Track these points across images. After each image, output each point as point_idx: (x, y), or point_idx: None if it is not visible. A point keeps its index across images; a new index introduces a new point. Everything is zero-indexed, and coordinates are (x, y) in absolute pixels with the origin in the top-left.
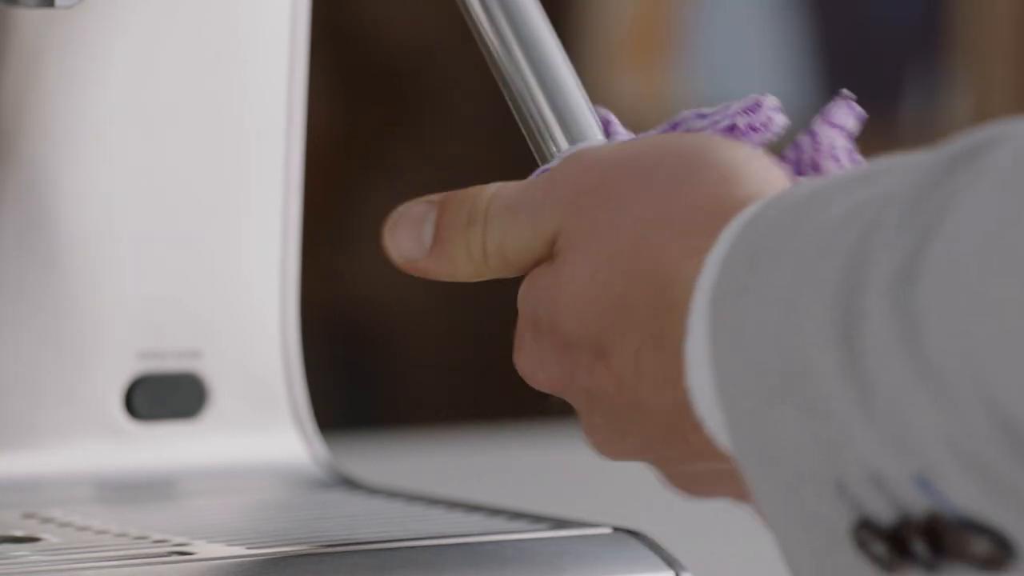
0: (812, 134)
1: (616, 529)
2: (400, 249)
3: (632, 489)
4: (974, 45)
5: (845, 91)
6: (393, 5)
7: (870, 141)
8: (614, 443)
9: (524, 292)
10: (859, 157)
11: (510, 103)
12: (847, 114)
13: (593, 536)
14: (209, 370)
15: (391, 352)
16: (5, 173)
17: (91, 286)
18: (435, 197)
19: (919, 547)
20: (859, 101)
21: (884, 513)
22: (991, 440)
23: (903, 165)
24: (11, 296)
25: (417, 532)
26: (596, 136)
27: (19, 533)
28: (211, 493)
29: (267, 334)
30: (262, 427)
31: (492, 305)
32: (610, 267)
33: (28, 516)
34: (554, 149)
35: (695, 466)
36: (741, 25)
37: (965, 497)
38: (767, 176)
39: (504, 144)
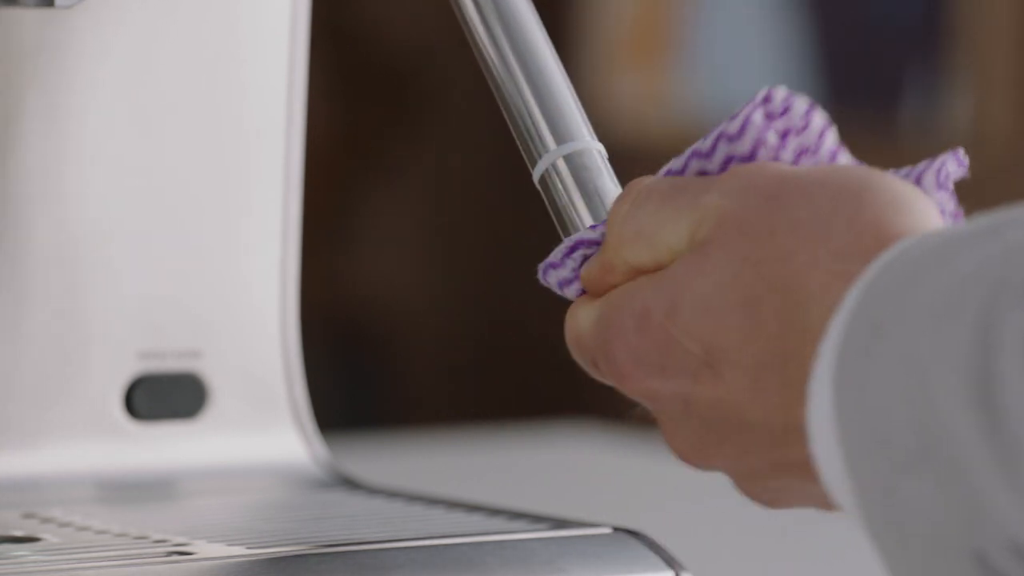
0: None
1: (616, 529)
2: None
3: (632, 489)
4: (974, 45)
5: (960, 152)
6: (393, 5)
7: (870, 141)
8: (703, 453)
9: (647, 281)
10: (961, 214)
11: (500, 104)
12: (955, 169)
13: (593, 536)
14: (209, 370)
15: (391, 352)
16: (5, 173)
17: (91, 286)
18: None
19: None
20: (859, 101)
21: None
22: None
23: None
24: (11, 296)
25: (417, 532)
26: (584, 138)
27: (19, 533)
28: (211, 493)
29: (267, 334)
30: (262, 427)
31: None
32: (755, 271)
33: (28, 516)
34: (542, 150)
35: (787, 483)
36: (741, 25)
37: None
38: (928, 214)
39: (504, 144)
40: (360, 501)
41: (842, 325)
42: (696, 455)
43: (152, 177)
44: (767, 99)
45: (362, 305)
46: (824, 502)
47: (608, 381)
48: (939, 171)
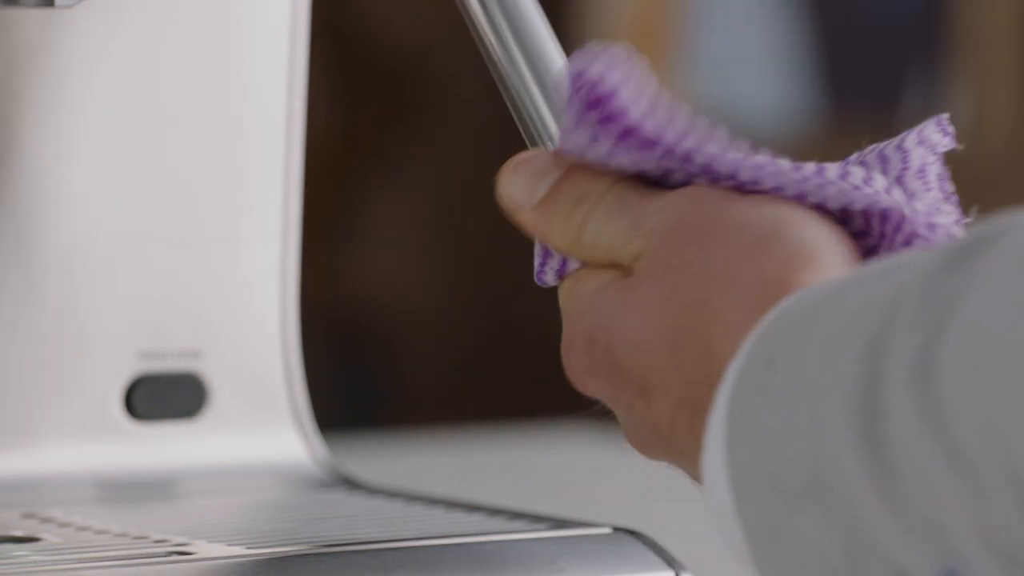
0: (903, 151)
1: (616, 529)
2: (511, 191)
3: (632, 489)
4: (974, 45)
5: (943, 116)
6: (393, 5)
7: (870, 141)
8: (651, 452)
9: (587, 304)
10: (949, 185)
11: (507, 100)
12: (940, 134)
13: (593, 536)
14: (209, 370)
15: (391, 352)
16: (5, 173)
17: (91, 286)
18: (564, 160)
19: None
20: (859, 101)
21: None
22: (1022, 527)
23: (916, 259)
24: (11, 296)
25: (417, 532)
26: None
27: (19, 533)
28: (211, 493)
29: (267, 334)
30: (262, 427)
31: (492, 306)
32: (677, 313)
33: (28, 516)
34: (551, 147)
35: None
36: (741, 25)
37: None
38: (836, 263)
39: (504, 144)
40: (360, 501)
41: (736, 369)
42: (645, 452)
43: (152, 177)
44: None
45: (362, 305)
46: None
47: None
48: (923, 170)
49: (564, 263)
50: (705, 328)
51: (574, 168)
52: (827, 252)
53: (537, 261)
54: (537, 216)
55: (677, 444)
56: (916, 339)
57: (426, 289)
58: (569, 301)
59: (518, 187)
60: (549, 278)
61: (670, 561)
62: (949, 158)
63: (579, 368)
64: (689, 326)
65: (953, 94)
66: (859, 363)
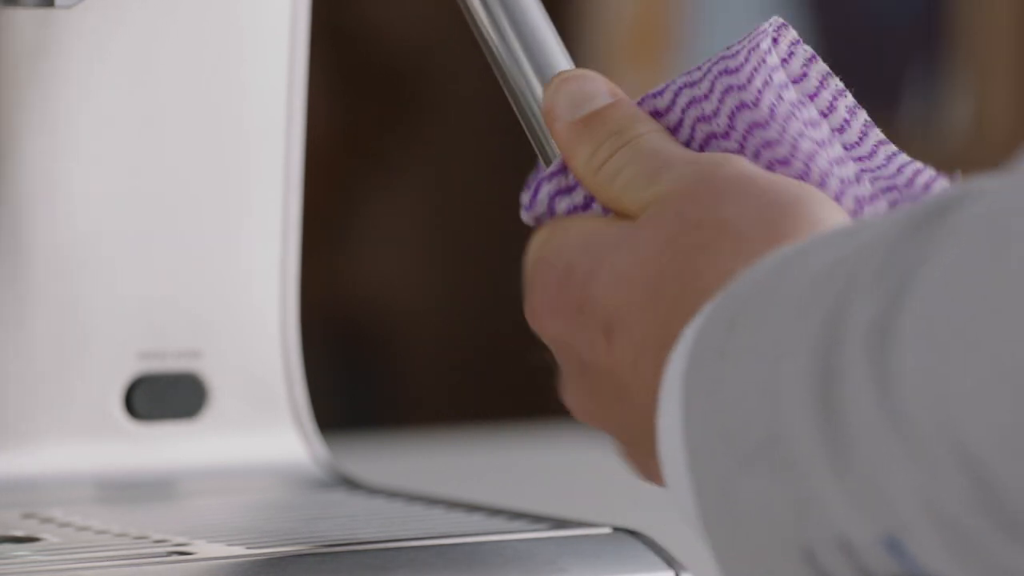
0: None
1: (616, 529)
2: (557, 100)
3: (632, 489)
4: (974, 45)
5: (776, 18)
6: (393, 5)
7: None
8: (590, 415)
9: (576, 241)
10: (835, 83)
11: (511, 101)
12: (773, 45)
13: (593, 536)
14: (209, 370)
15: (391, 352)
16: (5, 173)
17: (91, 286)
18: (616, 91)
19: None
20: (859, 101)
21: None
22: (964, 497)
23: (882, 221)
24: (11, 296)
25: (417, 532)
26: None
27: (19, 533)
28: (211, 493)
29: (267, 334)
30: (262, 427)
31: (492, 306)
32: (671, 255)
33: (28, 516)
34: (557, 150)
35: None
36: (741, 25)
37: (935, 560)
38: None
39: (504, 144)
40: (360, 501)
41: (696, 329)
42: (583, 414)
43: (152, 177)
44: (775, 40)
45: (362, 305)
46: None
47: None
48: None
49: (552, 206)
50: (696, 272)
51: (626, 102)
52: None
53: (528, 194)
54: (571, 132)
55: (632, 394)
56: (875, 305)
57: (426, 289)
58: (551, 240)
59: (565, 98)
60: (536, 211)
61: (670, 561)
62: (949, 158)
63: (542, 307)
64: (680, 269)
65: (953, 94)
66: (819, 326)
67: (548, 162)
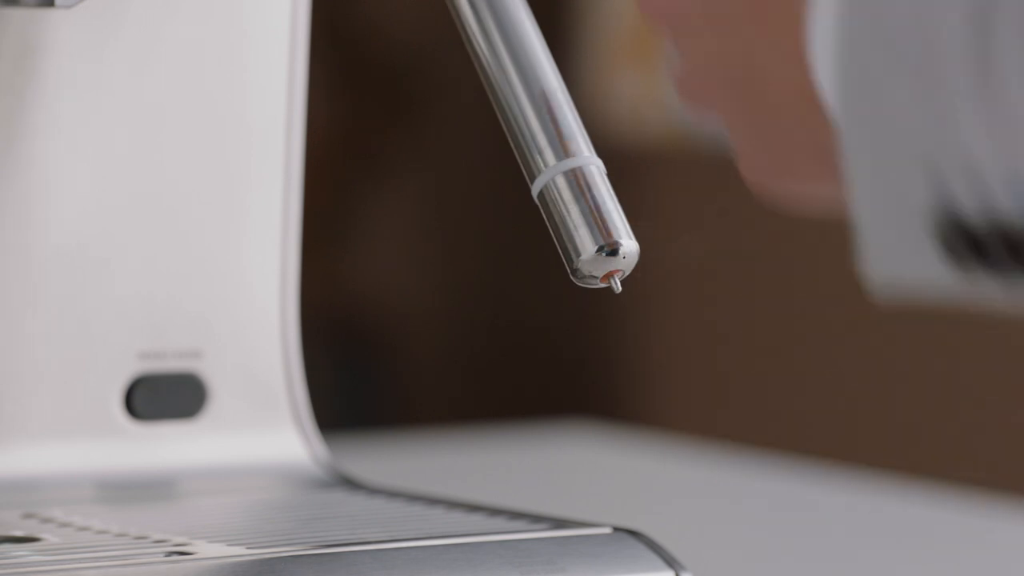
0: None
1: (616, 529)
2: None
3: (632, 489)
4: None
5: None
6: (393, 5)
7: None
8: (707, 79)
9: None
10: None
11: (500, 118)
12: None
13: (593, 536)
14: (209, 370)
15: (391, 352)
16: (5, 173)
17: (91, 286)
18: None
19: (997, 251)
20: None
21: (970, 209)
22: None
23: None
24: (11, 296)
25: (417, 532)
26: (583, 154)
27: (19, 533)
28: (211, 493)
29: (267, 334)
30: (262, 427)
31: (492, 306)
32: None
33: (28, 516)
34: (541, 167)
35: (780, 128)
36: None
37: None
38: None
39: (504, 144)
40: (360, 501)
41: None
42: (695, 84)
43: (152, 177)
44: None
45: (362, 305)
46: (816, 171)
47: None
48: None
49: None
50: None
51: None
52: None
53: None
54: None
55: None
56: None
57: (426, 289)
58: None
59: None
60: None
61: (670, 561)
62: None
63: None
64: None
65: None
66: None
67: (532, 176)
